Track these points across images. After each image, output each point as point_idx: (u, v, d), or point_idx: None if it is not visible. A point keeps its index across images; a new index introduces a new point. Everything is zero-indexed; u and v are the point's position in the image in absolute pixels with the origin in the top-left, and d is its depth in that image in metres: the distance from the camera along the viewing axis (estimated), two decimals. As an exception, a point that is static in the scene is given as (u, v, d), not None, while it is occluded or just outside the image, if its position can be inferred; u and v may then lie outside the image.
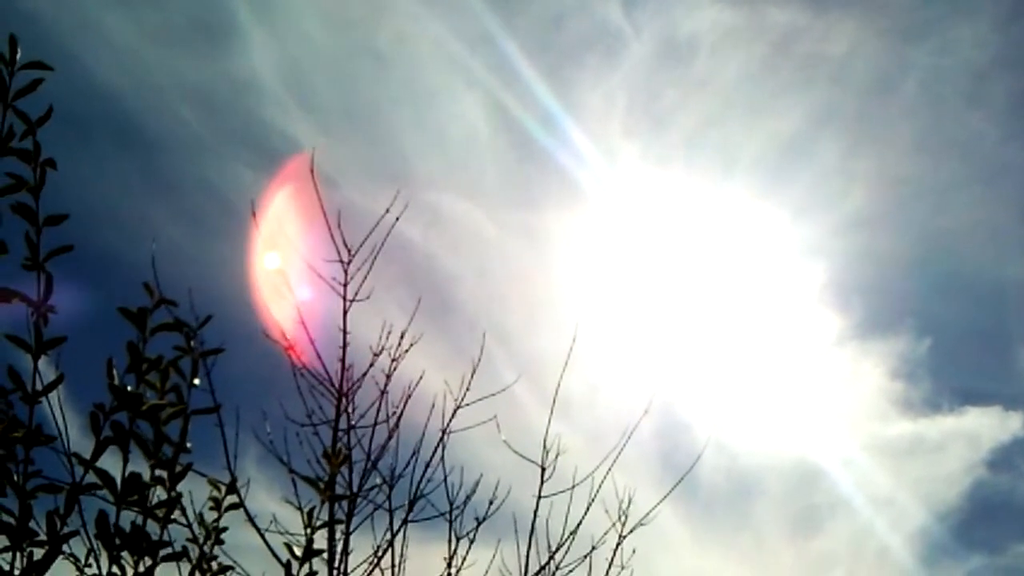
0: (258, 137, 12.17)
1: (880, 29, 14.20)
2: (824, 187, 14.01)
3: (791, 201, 13.61)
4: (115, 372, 2.42)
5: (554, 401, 6.15)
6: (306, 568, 3.48)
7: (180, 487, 2.59)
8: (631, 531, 6.03)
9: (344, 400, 5.75)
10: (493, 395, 6.13)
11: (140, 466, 2.50)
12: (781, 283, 13.01)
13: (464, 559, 5.78)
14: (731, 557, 12.86)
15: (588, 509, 5.99)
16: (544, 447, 6.07)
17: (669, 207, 12.53)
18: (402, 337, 5.99)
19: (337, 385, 5.78)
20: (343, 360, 5.83)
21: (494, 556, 5.86)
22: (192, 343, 2.50)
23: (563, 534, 5.90)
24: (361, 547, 5.59)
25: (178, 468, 2.48)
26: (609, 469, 6.07)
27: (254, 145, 12.19)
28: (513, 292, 12.07)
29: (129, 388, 2.43)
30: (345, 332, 5.88)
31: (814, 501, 14.11)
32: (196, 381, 2.50)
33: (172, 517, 2.58)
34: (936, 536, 13.63)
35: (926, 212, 14.96)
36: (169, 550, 2.63)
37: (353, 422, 5.77)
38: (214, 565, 2.77)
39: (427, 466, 5.81)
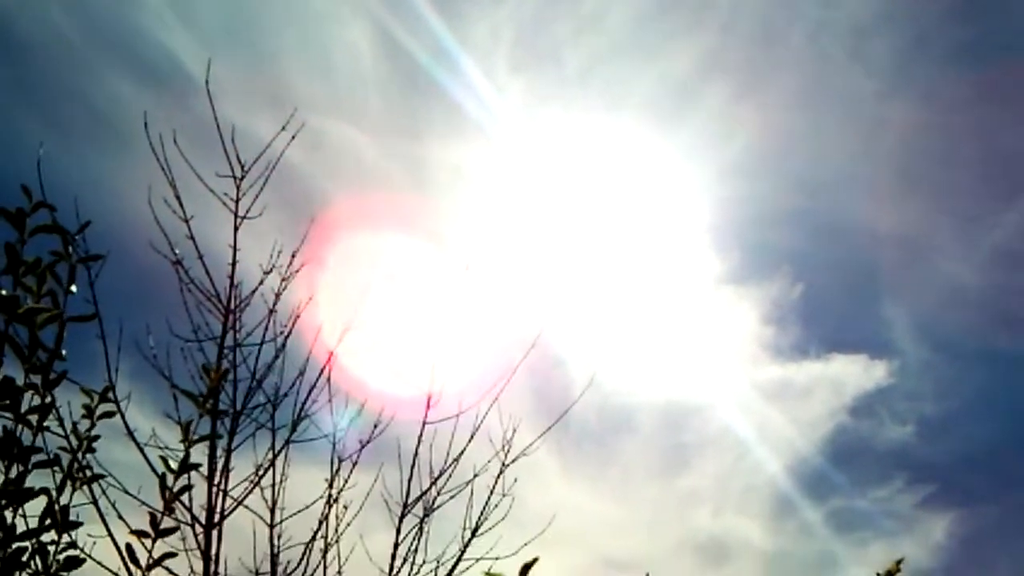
0: (135, 48, 11.68)
1: (771, -22, 14.37)
2: (710, 132, 14.22)
3: (678, 144, 13.77)
4: (-10, 275, 2.37)
5: (441, 332, 6.22)
6: (182, 481, 3.48)
7: (56, 397, 2.56)
8: (514, 460, 6.16)
9: (231, 317, 5.70)
10: (381, 320, 6.17)
11: (15, 371, 2.46)
12: (665, 224, 13.21)
13: (346, 481, 5.83)
14: (599, 491, 13.24)
15: (472, 437, 6.10)
16: (431, 374, 6.15)
17: (556, 143, 12.57)
18: (293, 257, 5.96)
19: (225, 302, 5.72)
20: (232, 277, 5.78)
21: (376, 480, 5.94)
22: (71, 249, 2.45)
23: (446, 462, 6.00)
24: (242, 466, 5.60)
25: (52, 375, 2.44)
26: (495, 400, 6.18)
27: (131, 56, 11.70)
28: (395, 222, 12.01)
29: (4, 292, 2.38)
30: (235, 248, 5.82)
31: (683, 440, 14.59)
32: (73, 288, 2.46)
33: (46, 425, 2.55)
34: (798, 478, 14.23)
35: (805, 162, 15.35)
36: (42, 457, 2.60)
37: (240, 340, 5.74)
38: (86, 473, 2.75)
39: (312, 388, 5.83)
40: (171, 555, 3.38)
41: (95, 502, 4.67)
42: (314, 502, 5.77)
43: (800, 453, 14.62)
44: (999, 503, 15.80)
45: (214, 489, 5.32)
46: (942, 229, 16.27)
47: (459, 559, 5.77)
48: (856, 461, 15.58)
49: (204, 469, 5.28)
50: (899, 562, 1.74)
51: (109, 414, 2.78)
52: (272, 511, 5.75)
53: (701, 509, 14.59)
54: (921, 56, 15.00)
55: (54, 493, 2.70)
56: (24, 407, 2.45)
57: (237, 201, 5.89)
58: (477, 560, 5.79)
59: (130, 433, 5.04)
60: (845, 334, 16.39)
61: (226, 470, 5.42)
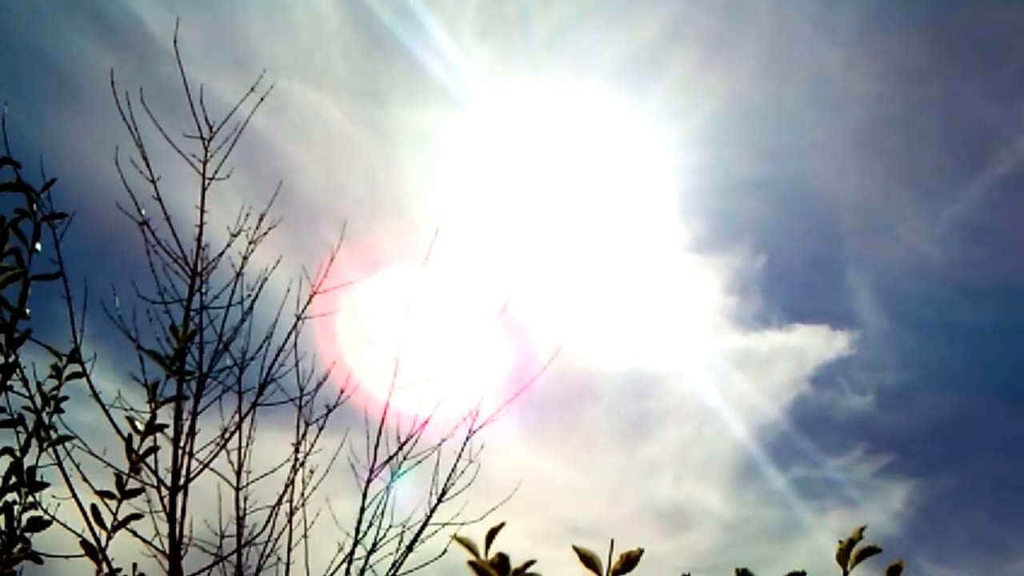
0: (97, 7, 11.43)
1: (735, -55, 14.29)
2: (675, 99, 14.15)
3: (644, 111, 13.71)
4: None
5: (411, 296, 6.21)
6: (148, 442, 3.47)
7: (22, 360, 2.53)
8: (480, 427, 6.17)
9: (198, 279, 5.66)
10: (349, 283, 6.15)
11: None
12: (631, 192, 13.19)
13: (312, 445, 5.83)
14: (561, 458, 13.30)
15: (439, 403, 6.10)
16: (399, 340, 6.14)
17: (523, 111, 12.50)
18: (261, 219, 5.92)
19: (191, 264, 5.68)
20: (199, 239, 5.73)
21: (342, 443, 5.94)
22: (35, 207, 2.41)
23: (413, 427, 6.01)
24: (208, 429, 5.57)
25: (16, 334, 2.42)
26: (462, 366, 6.19)
27: (92, 15, 11.45)
28: (358, 186, 11.92)
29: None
30: (203, 210, 5.76)
31: (645, 408, 14.69)
32: (38, 246, 2.42)
33: (9, 384, 2.52)
34: (759, 447, 14.38)
35: (769, 133, 15.32)
36: (6, 417, 2.58)
37: (206, 302, 5.70)
38: (51, 434, 2.74)
39: (279, 351, 5.81)
40: (136, 517, 3.38)
41: (59, 464, 4.63)
42: (280, 466, 5.78)
43: (761, 423, 14.78)
44: (956, 473, 16.10)
45: (180, 451, 5.30)
46: (904, 200, 16.40)
47: (425, 524, 5.80)
48: (817, 430, 15.75)
49: (170, 431, 5.26)
50: (861, 530, 1.76)
51: (76, 375, 2.76)
52: (238, 474, 5.75)
53: (663, 476, 14.74)
54: (886, 26, 15.03)
55: (18, 453, 2.68)
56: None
57: (205, 163, 5.83)
58: (443, 525, 5.82)
59: (95, 395, 5.00)
60: (807, 304, 16.51)
61: (192, 432, 5.40)
